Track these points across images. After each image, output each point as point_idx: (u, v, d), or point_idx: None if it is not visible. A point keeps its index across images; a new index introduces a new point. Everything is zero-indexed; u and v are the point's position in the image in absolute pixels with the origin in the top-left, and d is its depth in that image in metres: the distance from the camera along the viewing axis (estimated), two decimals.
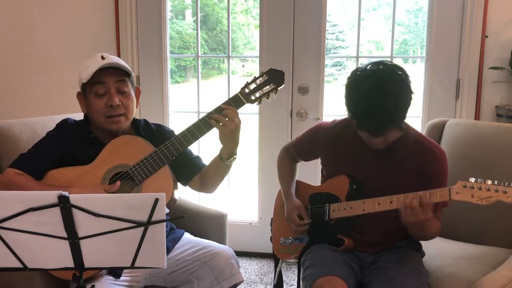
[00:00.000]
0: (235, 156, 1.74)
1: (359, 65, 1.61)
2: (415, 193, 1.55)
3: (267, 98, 1.74)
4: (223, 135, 1.68)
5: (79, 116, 1.89)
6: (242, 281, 1.80)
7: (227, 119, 1.66)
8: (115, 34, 2.94)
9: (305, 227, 1.82)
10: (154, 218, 1.19)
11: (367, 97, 1.53)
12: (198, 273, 1.75)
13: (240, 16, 5.30)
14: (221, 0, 4.27)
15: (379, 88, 1.52)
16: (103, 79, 1.72)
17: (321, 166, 1.91)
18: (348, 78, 1.62)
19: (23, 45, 3.00)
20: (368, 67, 1.58)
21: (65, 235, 1.19)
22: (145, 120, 1.92)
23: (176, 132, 1.78)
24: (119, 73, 1.75)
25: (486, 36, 2.64)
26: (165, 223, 1.21)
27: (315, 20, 2.79)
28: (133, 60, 2.95)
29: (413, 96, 1.58)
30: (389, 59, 2.83)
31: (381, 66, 1.57)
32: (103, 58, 1.73)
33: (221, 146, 1.73)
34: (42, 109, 2.88)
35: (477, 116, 2.71)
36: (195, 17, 3.11)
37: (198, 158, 1.91)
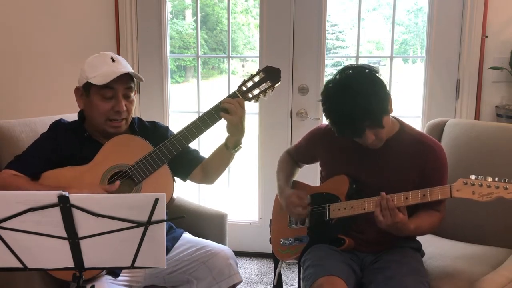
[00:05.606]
0: (240, 145, 1.78)
1: (330, 78, 1.66)
2: (413, 191, 1.56)
3: (264, 95, 1.76)
4: (231, 124, 1.70)
5: (74, 117, 1.88)
6: (241, 281, 1.79)
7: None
8: (115, 34, 2.94)
9: (305, 211, 1.79)
10: (154, 218, 1.19)
11: (338, 105, 1.58)
12: (196, 273, 1.75)
13: (240, 16, 5.30)
14: (221, 0, 4.27)
15: (347, 93, 1.56)
16: (113, 86, 1.71)
17: (320, 167, 1.91)
18: (321, 92, 1.66)
19: (23, 45, 3.00)
20: (337, 77, 1.62)
21: (65, 235, 1.19)
22: (139, 118, 1.92)
23: (174, 131, 1.78)
24: (128, 80, 1.75)
25: (486, 36, 2.64)
26: (165, 223, 1.22)
27: (315, 20, 2.79)
28: (133, 60, 2.95)
29: (386, 89, 1.60)
30: (389, 59, 2.85)
31: (348, 71, 1.61)
32: (113, 60, 1.73)
33: (226, 136, 1.77)
34: (42, 109, 2.88)
35: (477, 116, 2.71)
36: (195, 17, 3.11)
37: (195, 151, 1.92)
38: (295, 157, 2.01)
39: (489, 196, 1.45)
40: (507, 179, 1.45)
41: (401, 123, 1.75)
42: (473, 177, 1.49)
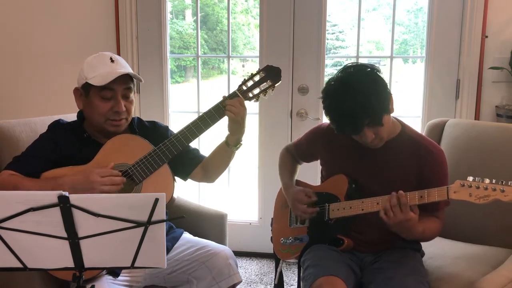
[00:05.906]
0: (241, 143, 1.79)
1: (332, 76, 1.67)
2: (411, 193, 1.56)
3: (264, 95, 1.76)
4: (233, 122, 1.71)
5: (74, 117, 1.88)
6: (241, 281, 1.80)
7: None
8: (115, 34, 2.94)
9: (314, 209, 1.80)
10: (154, 218, 1.19)
11: (338, 103, 1.58)
12: (196, 273, 1.75)
13: (240, 16, 5.30)
14: (221, 0, 4.27)
15: (347, 91, 1.56)
16: (112, 86, 1.71)
17: (320, 166, 1.91)
18: (322, 90, 1.66)
19: (23, 45, 3.00)
20: (339, 74, 1.63)
21: (65, 235, 1.19)
22: (138, 118, 1.92)
23: (174, 131, 1.78)
24: (127, 80, 1.74)
25: (486, 36, 2.64)
26: (165, 223, 1.22)
27: (315, 20, 2.79)
28: (133, 60, 2.95)
29: (387, 88, 1.61)
30: (389, 59, 2.85)
31: (350, 70, 1.62)
32: (112, 60, 1.72)
33: (227, 134, 1.78)
34: (42, 109, 2.89)
35: (477, 116, 2.71)
36: (195, 17, 3.11)
37: (196, 150, 1.92)
38: (295, 155, 2.01)
39: (485, 198, 1.44)
40: (504, 181, 1.43)
41: (403, 125, 1.75)
42: (470, 178, 1.48)
